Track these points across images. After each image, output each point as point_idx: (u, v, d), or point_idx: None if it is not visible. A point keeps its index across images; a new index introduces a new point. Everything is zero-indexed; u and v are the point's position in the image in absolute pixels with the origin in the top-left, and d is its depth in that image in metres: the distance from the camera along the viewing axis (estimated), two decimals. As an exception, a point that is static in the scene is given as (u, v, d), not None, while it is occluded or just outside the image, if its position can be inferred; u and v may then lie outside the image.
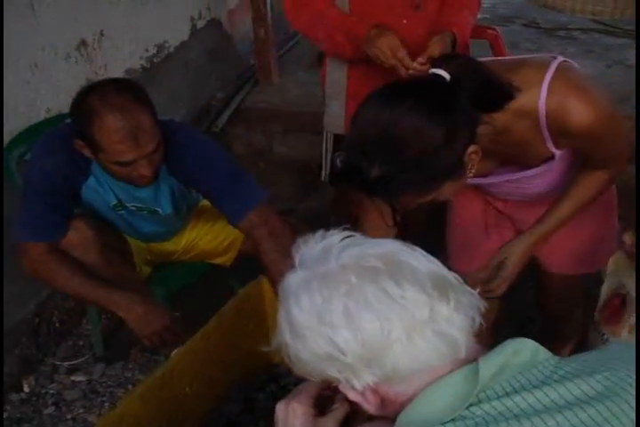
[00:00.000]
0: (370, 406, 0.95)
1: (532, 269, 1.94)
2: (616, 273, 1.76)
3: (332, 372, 0.92)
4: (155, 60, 3.05)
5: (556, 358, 0.93)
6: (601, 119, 1.43)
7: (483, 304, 0.94)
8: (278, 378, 1.85)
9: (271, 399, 1.76)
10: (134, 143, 1.72)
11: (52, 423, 2.20)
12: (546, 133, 1.47)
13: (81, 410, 2.24)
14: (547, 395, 0.85)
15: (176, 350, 1.73)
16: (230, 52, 3.73)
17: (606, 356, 0.95)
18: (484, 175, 1.65)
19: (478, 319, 0.93)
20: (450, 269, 0.98)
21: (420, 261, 0.94)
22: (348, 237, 0.98)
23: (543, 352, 0.92)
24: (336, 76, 2.26)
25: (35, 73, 2.36)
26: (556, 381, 0.87)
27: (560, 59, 1.47)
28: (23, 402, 2.27)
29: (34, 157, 1.97)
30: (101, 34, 2.67)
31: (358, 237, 0.99)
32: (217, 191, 1.98)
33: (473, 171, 1.39)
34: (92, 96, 1.73)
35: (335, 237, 0.98)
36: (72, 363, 2.43)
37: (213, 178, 1.96)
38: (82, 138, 1.77)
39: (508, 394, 0.86)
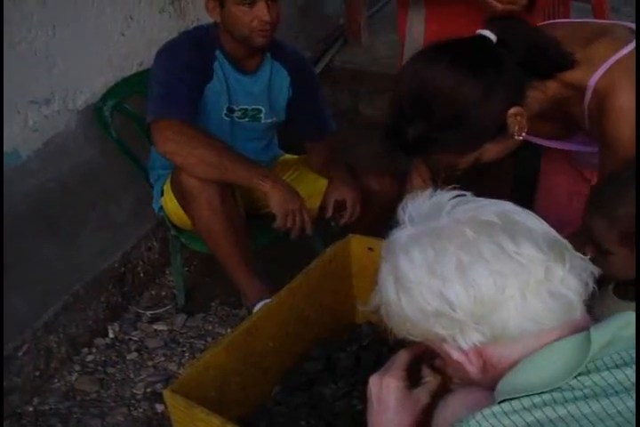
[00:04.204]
0: (473, 367, 0.93)
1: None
2: None
3: (438, 329, 0.89)
4: (246, 16, 3.03)
5: None
6: (632, 117, 1.35)
7: (596, 270, 0.91)
8: (360, 338, 1.85)
9: (352, 359, 1.77)
10: None
11: (135, 369, 2.26)
12: (585, 111, 1.43)
13: (162, 358, 2.30)
14: None
15: (263, 304, 1.75)
16: (320, 11, 3.68)
17: None
18: (551, 138, 1.62)
19: (591, 284, 0.90)
20: None
21: (534, 222, 0.91)
22: (458, 195, 0.95)
23: None
24: (415, 34, 2.19)
25: (130, 25, 2.37)
26: None
27: None
28: (108, 347, 2.35)
29: (160, 60, 2.10)
30: (195, -12, 2.67)
31: (469, 196, 0.96)
32: (308, 101, 2.25)
33: (523, 133, 1.37)
34: None
35: (445, 195, 0.96)
36: (154, 312, 2.49)
37: (307, 83, 2.25)
38: None
39: (618, 366, 0.82)
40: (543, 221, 0.94)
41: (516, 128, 1.36)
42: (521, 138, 1.39)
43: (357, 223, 2.17)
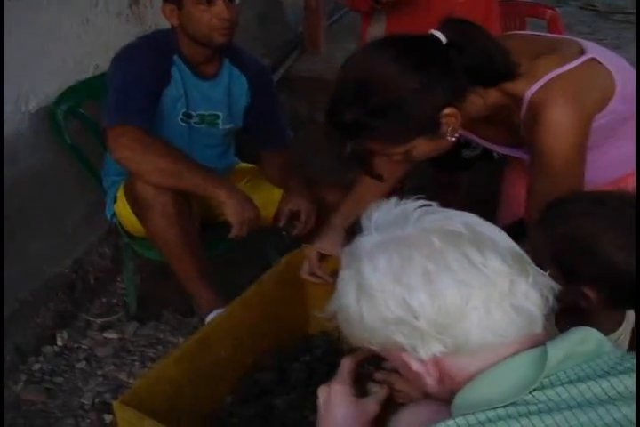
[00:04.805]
0: (431, 379, 0.92)
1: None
2: None
3: (399, 337, 0.88)
4: (204, 22, 3.01)
5: (621, 350, 0.90)
6: (565, 136, 1.40)
7: (556, 286, 0.92)
8: (313, 349, 1.85)
9: (305, 370, 1.76)
10: None
11: (83, 378, 2.21)
12: (520, 122, 1.47)
13: (112, 367, 2.26)
14: (613, 386, 0.83)
15: (217, 314, 1.74)
16: (280, 19, 3.69)
17: None
18: (494, 142, 1.67)
19: (551, 300, 0.90)
20: None
21: (498, 235, 0.92)
22: (424, 205, 0.95)
23: (607, 344, 0.90)
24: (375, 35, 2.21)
25: (86, 28, 2.34)
26: (621, 372, 0.84)
27: (589, 56, 1.44)
28: (56, 355, 2.29)
29: (117, 64, 2.08)
30: (154, -8, 2.65)
31: (435, 206, 0.97)
32: (265, 110, 2.26)
33: (454, 134, 1.42)
34: None
35: (411, 204, 0.95)
36: (105, 320, 2.44)
37: (266, 92, 2.26)
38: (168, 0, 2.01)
39: (572, 382, 0.83)
40: (506, 235, 0.94)
41: (449, 129, 1.40)
42: (453, 139, 1.43)
43: (311, 235, 2.17)
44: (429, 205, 0.96)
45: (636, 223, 1.18)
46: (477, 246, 0.87)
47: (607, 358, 0.87)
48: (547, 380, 0.84)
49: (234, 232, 1.98)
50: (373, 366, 1.15)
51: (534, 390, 0.83)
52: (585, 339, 0.88)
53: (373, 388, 1.14)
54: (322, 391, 1.11)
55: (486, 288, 0.85)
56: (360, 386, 1.14)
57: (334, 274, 1.72)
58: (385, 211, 0.95)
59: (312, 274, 1.78)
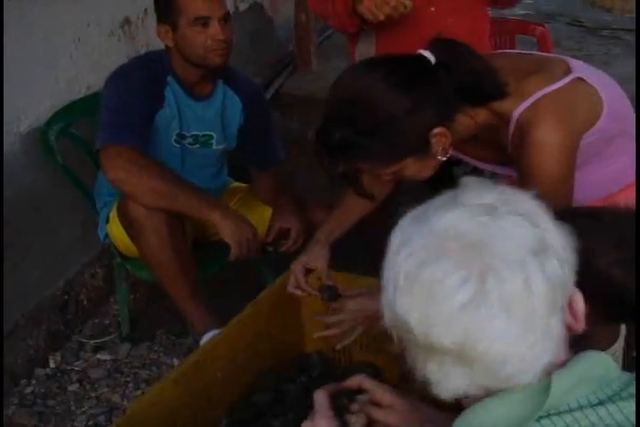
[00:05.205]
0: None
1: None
2: None
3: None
4: (196, 41, 3.02)
5: (628, 374, 0.88)
6: (553, 154, 1.40)
7: None
8: (309, 369, 1.84)
9: (302, 391, 1.75)
10: (209, 1, 1.98)
11: (76, 400, 2.19)
12: (509, 141, 1.48)
13: (105, 389, 2.24)
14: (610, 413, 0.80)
15: (212, 335, 1.72)
16: (271, 37, 3.70)
17: None
18: (483, 161, 1.67)
19: None
20: None
21: None
22: None
23: (615, 368, 0.87)
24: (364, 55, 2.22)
25: (78, 48, 2.34)
26: (622, 398, 0.82)
27: (575, 75, 1.45)
28: (49, 377, 2.27)
29: (111, 85, 2.07)
30: (145, 12, 2.65)
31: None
32: (258, 129, 2.27)
33: (445, 154, 1.42)
34: None
35: None
36: (98, 341, 2.42)
37: (259, 112, 2.26)
38: (163, 21, 2.02)
39: (581, 408, 0.81)
40: None
41: (440, 149, 1.40)
42: (444, 159, 1.44)
43: (298, 253, 2.16)
44: None
45: (637, 231, 1.17)
46: None
47: (615, 386, 0.84)
48: (554, 409, 0.80)
49: (234, 253, 1.97)
50: (346, 399, 1.14)
51: (540, 418, 0.79)
52: (594, 364, 0.84)
53: (352, 419, 1.13)
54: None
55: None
56: (337, 419, 1.12)
57: (320, 288, 1.73)
58: None
59: (298, 288, 1.78)
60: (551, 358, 0.81)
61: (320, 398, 1.10)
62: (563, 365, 0.83)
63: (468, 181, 0.86)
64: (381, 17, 1.89)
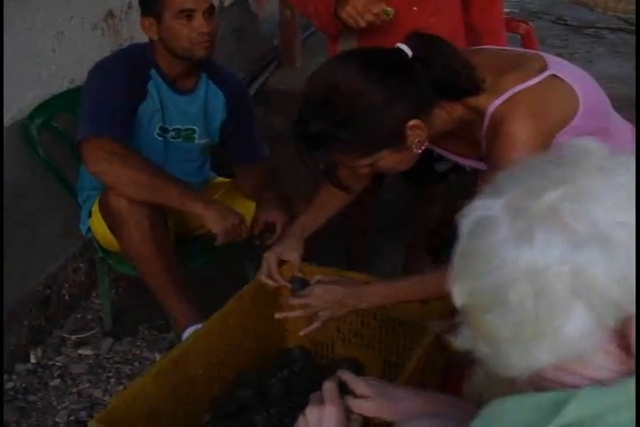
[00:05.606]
0: None
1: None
2: None
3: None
4: (180, 36, 3.00)
5: None
6: (523, 147, 1.39)
7: None
8: (291, 363, 1.84)
9: (284, 385, 1.75)
10: None
11: (57, 396, 2.18)
12: (483, 136, 1.49)
13: (86, 384, 2.23)
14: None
15: (194, 330, 1.72)
16: (255, 33, 3.69)
17: None
18: (462, 156, 1.69)
19: None
20: None
21: None
22: None
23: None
24: None
25: (61, 42, 2.32)
26: None
27: (550, 72, 1.45)
28: (29, 373, 2.25)
29: (93, 77, 2.06)
30: (129, 6, 2.63)
31: None
32: (241, 124, 2.26)
33: (420, 147, 1.43)
34: None
35: None
36: (80, 336, 2.41)
37: (242, 107, 2.25)
38: (147, 13, 2.02)
39: None
40: None
41: (416, 141, 1.41)
42: (419, 151, 1.45)
43: None
44: None
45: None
46: None
47: None
48: None
49: (220, 240, 1.97)
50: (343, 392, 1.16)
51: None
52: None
53: (352, 415, 1.13)
54: (311, 413, 1.09)
55: None
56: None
57: (290, 279, 1.73)
58: None
59: (270, 277, 1.79)
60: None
61: (331, 386, 1.13)
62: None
63: None
64: (363, 24, 1.88)
